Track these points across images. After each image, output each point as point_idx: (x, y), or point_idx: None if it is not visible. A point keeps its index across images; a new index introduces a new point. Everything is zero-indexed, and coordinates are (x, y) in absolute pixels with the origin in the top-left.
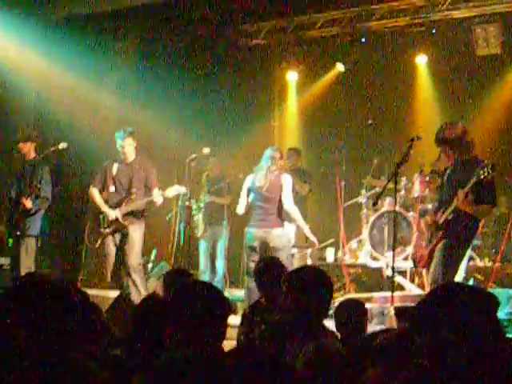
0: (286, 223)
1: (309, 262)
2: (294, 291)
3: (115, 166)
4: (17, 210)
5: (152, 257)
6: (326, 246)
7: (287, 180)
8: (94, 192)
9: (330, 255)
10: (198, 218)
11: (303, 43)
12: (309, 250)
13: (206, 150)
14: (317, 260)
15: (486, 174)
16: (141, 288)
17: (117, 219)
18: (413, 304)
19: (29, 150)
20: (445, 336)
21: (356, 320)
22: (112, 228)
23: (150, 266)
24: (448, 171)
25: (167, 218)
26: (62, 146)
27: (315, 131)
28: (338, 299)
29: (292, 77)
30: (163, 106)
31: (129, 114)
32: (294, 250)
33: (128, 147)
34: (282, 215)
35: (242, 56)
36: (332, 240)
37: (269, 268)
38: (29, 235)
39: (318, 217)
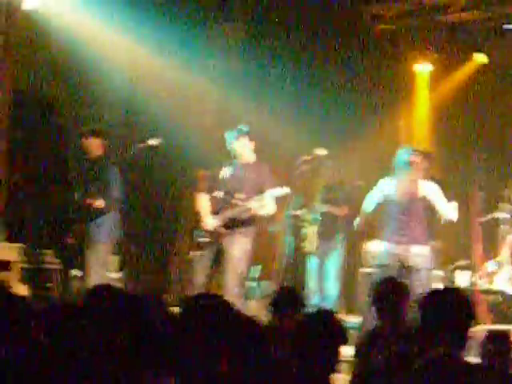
0: None
1: (437, 285)
2: (430, 318)
3: (225, 169)
4: (81, 214)
5: (255, 274)
6: (457, 268)
7: (433, 187)
8: (200, 197)
9: (462, 279)
10: (309, 230)
11: (438, 29)
12: (440, 272)
13: (323, 152)
14: (448, 283)
15: None
16: None
17: (216, 228)
18: None
19: (96, 146)
20: None
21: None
22: (208, 239)
23: (253, 284)
24: None
25: (271, 230)
26: (153, 142)
27: (449, 132)
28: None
29: (423, 68)
30: (272, 99)
31: (233, 108)
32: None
33: (241, 149)
34: (425, 230)
35: (365, 43)
36: (466, 261)
37: (392, 291)
38: (97, 241)
39: (448, 234)
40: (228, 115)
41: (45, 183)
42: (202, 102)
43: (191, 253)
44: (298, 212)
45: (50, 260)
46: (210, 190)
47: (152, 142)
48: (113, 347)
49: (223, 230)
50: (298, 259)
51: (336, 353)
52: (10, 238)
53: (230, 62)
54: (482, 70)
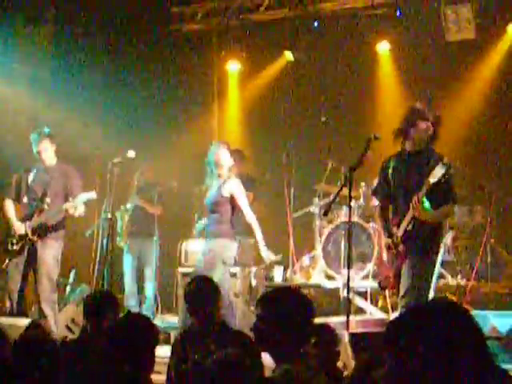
0: None
1: (253, 282)
2: (270, 318)
3: (32, 174)
4: None
5: (70, 279)
6: (273, 264)
7: (237, 186)
8: (7, 203)
9: (277, 274)
10: (122, 223)
11: (246, 28)
12: (253, 269)
13: (131, 154)
14: (263, 280)
15: (443, 177)
16: (50, 320)
17: (26, 235)
18: (374, 330)
19: None
20: (423, 363)
21: (329, 347)
22: (20, 245)
23: (67, 289)
24: (392, 164)
25: (87, 234)
26: None
27: (260, 130)
28: None
29: (233, 67)
30: (81, 102)
31: (41, 112)
32: (237, 269)
33: (45, 152)
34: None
35: (174, 44)
36: (279, 256)
37: (202, 289)
38: None
39: (264, 229)
40: (35, 119)
41: None
42: (6, 106)
43: (7, 260)
44: (110, 215)
45: None
46: (17, 196)
47: None
48: None
49: (33, 237)
50: (112, 261)
51: (150, 353)
52: None
53: (37, 65)
54: (292, 67)
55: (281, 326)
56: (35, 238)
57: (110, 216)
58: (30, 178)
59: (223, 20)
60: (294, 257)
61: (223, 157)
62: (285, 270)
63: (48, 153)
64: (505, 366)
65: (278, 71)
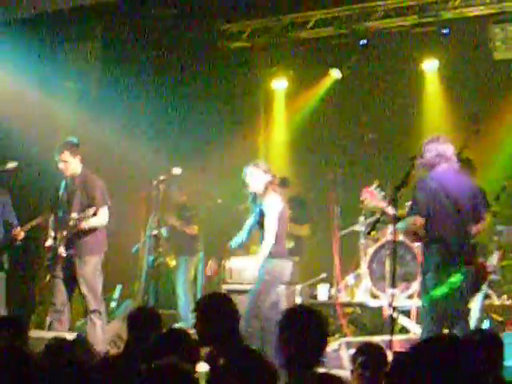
0: None
1: (298, 300)
2: (284, 335)
3: (62, 185)
4: None
5: (116, 294)
6: (317, 282)
7: (268, 206)
8: (51, 219)
9: (322, 292)
10: (166, 247)
11: (293, 46)
12: (298, 287)
13: (177, 171)
14: (308, 298)
15: None
16: (98, 330)
17: (56, 250)
18: None
19: None
20: None
21: (377, 367)
22: (55, 261)
23: (113, 304)
24: None
25: (133, 250)
26: (11, 165)
27: (306, 148)
28: (332, 344)
29: (280, 85)
30: (129, 118)
31: (90, 128)
32: (282, 287)
33: (64, 164)
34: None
35: (221, 61)
36: (324, 275)
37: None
38: None
39: (309, 247)
40: (85, 136)
41: None
42: (57, 123)
43: (48, 276)
44: (156, 231)
45: None
46: (53, 210)
47: (9, 165)
48: None
49: (62, 252)
50: (159, 277)
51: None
52: None
53: (86, 81)
54: (338, 85)
55: (297, 346)
56: (64, 255)
57: (155, 232)
58: (60, 191)
59: (270, 38)
60: (339, 275)
61: (251, 178)
62: (330, 287)
63: (69, 164)
64: None
65: (324, 89)
